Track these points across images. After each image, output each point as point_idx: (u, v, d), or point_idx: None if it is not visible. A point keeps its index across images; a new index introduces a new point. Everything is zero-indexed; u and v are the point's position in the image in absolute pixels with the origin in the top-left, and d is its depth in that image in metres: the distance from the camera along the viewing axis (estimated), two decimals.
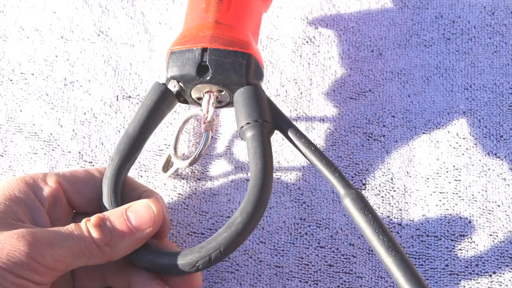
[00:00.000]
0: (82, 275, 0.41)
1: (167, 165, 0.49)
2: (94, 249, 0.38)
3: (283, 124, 0.43)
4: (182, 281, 0.40)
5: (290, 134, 0.43)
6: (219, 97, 0.45)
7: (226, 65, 0.43)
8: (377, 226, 0.39)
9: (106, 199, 0.41)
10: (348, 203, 0.40)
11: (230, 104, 0.46)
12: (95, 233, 0.38)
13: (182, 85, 0.44)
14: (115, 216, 0.39)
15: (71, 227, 0.38)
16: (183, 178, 0.49)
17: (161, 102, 0.44)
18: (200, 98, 0.46)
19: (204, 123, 0.45)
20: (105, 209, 0.41)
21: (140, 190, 0.43)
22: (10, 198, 0.39)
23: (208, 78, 0.43)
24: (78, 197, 0.42)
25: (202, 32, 0.44)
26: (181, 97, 0.45)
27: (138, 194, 0.43)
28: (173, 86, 0.44)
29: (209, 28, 0.44)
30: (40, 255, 0.36)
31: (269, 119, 0.43)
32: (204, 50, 0.43)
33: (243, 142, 0.50)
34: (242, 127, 0.42)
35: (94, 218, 0.39)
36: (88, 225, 0.38)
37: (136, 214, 0.39)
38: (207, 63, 0.43)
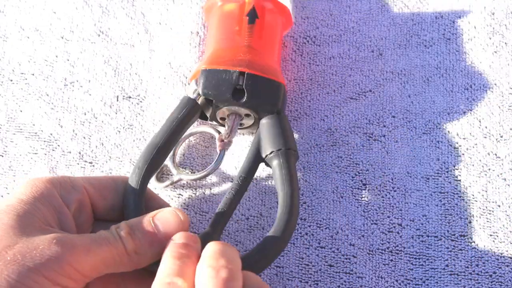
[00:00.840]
0: (95, 280, 0.40)
1: (160, 175, 0.49)
2: (125, 257, 0.37)
3: None
4: None
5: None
6: (243, 119, 0.46)
7: (261, 92, 0.44)
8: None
9: (132, 208, 0.41)
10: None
11: (250, 127, 0.47)
12: (127, 241, 0.38)
13: (214, 103, 0.45)
14: (144, 224, 0.39)
15: (104, 233, 0.38)
16: (175, 189, 0.49)
17: (190, 117, 0.45)
18: (223, 118, 0.47)
19: (222, 141, 0.46)
20: (129, 216, 0.41)
21: (159, 202, 0.43)
22: (40, 200, 0.38)
23: (242, 101, 0.44)
24: (102, 203, 0.41)
25: (239, 55, 0.45)
26: (202, 113, 0.46)
27: (156, 206, 0.42)
28: (199, 102, 0.45)
29: (245, 53, 0.46)
30: (77, 262, 0.35)
31: (295, 148, 0.44)
32: (241, 73, 0.44)
33: (243, 142, 0.50)
34: (270, 153, 0.44)
35: (124, 226, 0.38)
36: (120, 233, 0.38)
37: (164, 222, 0.39)
38: (244, 87, 0.44)
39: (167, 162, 0.48)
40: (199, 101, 0.45)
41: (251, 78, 0.44)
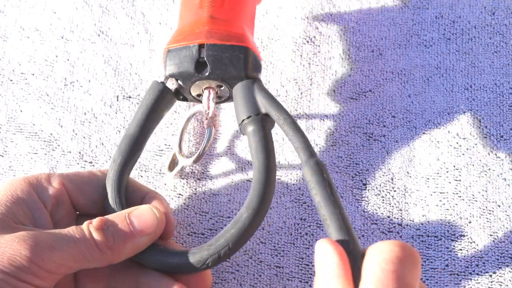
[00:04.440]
0: (84, 277, 0.41)
1: (173, 164, 0.49)
2: (96, 252, 0.37)
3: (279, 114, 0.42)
4: (193, 279, 0.40)
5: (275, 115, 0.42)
6: (218, 92, 0.45)
7: (224, 60, 0.43)
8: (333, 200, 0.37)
9: (111, 201, 0.41)
10: (306, 171, 0.38)
11: (230, 98, 0.46)
12: (97, 236, 0.38)
13: (180, 82, 0.44)
14: (118, 219, 0.39)
15: (72, 229, 0.38)
16: (183, 178, 0.49)
17: (160, 101, 0.44)
18: (199, 95, 0.46)
19: (206, 119, 0.45)
20: (109, 210, 0.41)
21: (143, 191, 0.43)
22: (12, 200, 0.39)
23: (206, 74, 0.43)
24: (82, 198, 0.42)
25: (198, 28, 0.44)
26: (180, 94, 0.45)
27: (141, 195, 0.43)
28: (172, 84, 0.44)
29: (205, 24, 0.44)
30: (41, 259, 0.35)
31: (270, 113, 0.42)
32: (201, 46, 0.43)
33: (243, 142, 0.50)
34: (242, 121, 0.42)
35: (96, 221, 0.38)
36: (91, 228, 0.38)
37: (139, 219, 0.39)
38: (205, 59, 0.43)
39: (175, 149, 0.48)
40: (171, 84, 0.44)
41: (211, 48, 0.43)
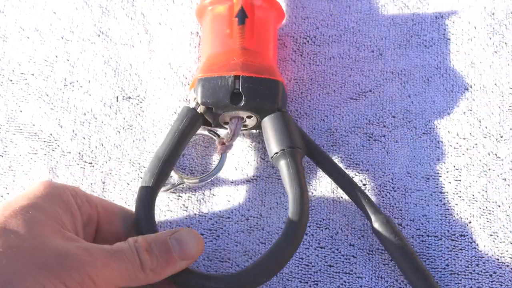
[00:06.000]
0: None
1: None
2: (140, 273, 0.37)
3: (313, 150, 0.46)
4: None
5: (321, 160, 0.46)
6: (246, 121, 0.47)
7: (259, 93, 0.45)
8: (407, 251, 0.44)
9: (145, 222, 0.42)
10: (379, 227, 0.44)
11: (255, 128, 0.48)
12: (144, 258, 0.37)
13: (214, 111, 0.45)
14: (161, 242, 0.39)
15: (123, 248, 0.37)
16: (175, 193, 0.49)
17: (191, 127, 0.45)
18: (226, 123, 0.47)
19: (223, 144, 0.47)
20: (141, 230, 0.41)
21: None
22: (58, 205, 0.38)
23: (241, 105, 0.45)
24: (107, 226, 0.42)
25: (232, 59, 0.46)
26: (205, 120, 0.47)
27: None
28: (199, 110, 0.46)
29: (238, 55, 0.46)
30: (95, 274, 0.35)
31: (300, 146, 0.45)
32: (236, 77, 0.45)
33: (243, 142, 0.50)
34: (276, 153, 0.44)
35: (142, 242, 0.38)
36: (138, 249, 0.38)
37: (181, 243, 0.39)
38: (240, 90, 0.44)
39: None
40: (200, 110, 0.46)
41: (246, 81, 0.45)
